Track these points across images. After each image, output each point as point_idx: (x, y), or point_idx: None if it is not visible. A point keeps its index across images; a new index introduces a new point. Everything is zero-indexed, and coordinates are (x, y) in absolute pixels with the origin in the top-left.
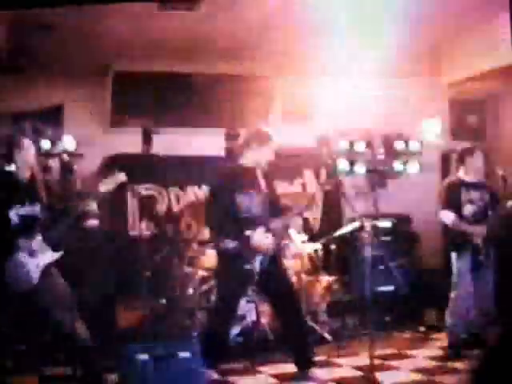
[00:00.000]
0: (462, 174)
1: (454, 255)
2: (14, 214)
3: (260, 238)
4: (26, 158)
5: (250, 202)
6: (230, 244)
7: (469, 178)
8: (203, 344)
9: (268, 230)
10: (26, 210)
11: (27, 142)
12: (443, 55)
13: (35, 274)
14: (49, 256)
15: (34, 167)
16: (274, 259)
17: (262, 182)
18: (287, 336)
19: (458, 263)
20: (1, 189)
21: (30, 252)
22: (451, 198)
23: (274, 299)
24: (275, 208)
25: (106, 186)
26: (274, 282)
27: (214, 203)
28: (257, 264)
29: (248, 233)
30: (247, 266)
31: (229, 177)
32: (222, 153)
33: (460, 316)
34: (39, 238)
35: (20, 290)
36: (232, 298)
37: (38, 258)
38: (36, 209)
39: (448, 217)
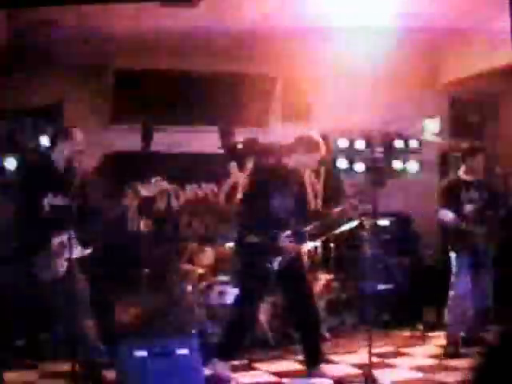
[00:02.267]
0: (461, 173)
1: (452, 254)
2: (46, 203)
3: (285, 240)
4: (67, 149)
5: (282, 204)
6: (254, 239)
7: (469, 178)
8: (224, 337)
9: (294, 233)
10: (58, 200)
11: (75, 133)
12: (443, 54)
13: (62, 268)
14: (78, 251)
15: (73, 159)
16: (295, 261)
17: (297, 187)
18: (302, 333)
19: (456, 262)
20: (37, 176)
21: (61, 244)
22: (451, 197)
23: (290, 299)
24: (303, 212)
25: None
26: (292, 283)
27: (249, 198)
28: (275, 264)
29: (275, 233)
30: (267, 265)
31: (268, 175)
32: (221, 151)
33: (459, 315)
34: (72, 232)
35: (45, 280)
36: (254, 291)
37: (67, 252)
38: (69, 201)
39: (447, 216)
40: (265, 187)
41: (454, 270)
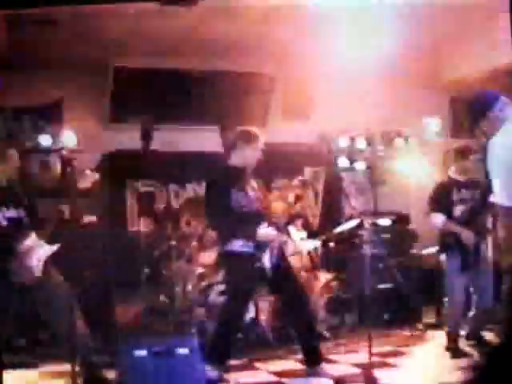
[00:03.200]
0: (452, 172)
1: (443, 256)
2: (1, 217)
3: (267, 231)
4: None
5: (247, 199)
6: (238, 243)
7: (460, 177)
8: (211, 343)
9: (271, 224)
10: (11, 213)
11: (10, 155)
12: (444, 53)
13: (37, 268)
14: (47, 249)
15: (13, 173)
16: (280, 255)
17: (253, 182)
18: (297, 332)
19: (448, 264)
20: None
21: (28, 249)
22: (441, 199)
23: (282, 295)
24: (266, 210)
25: (83, 184)
26: (282, 278)
27: (213, 204)
28: (266, 261)
29: (253, 229)
30: (257, 265)
31: (220, 177)
32: (221, 150)
33: (458, 315)
34: (33, 235)
35: (22, 284)
36: (244, 298)
37: (37, 253)
38: (20, 211)
39: (437, 219)
40: (221, 190)
41: (447, 271)
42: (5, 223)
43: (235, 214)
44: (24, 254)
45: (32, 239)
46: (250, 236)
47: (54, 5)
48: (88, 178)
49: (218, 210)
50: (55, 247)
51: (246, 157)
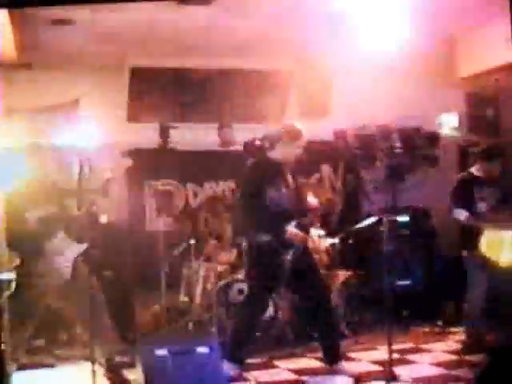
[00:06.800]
0: (474, 170)
1: (464, 253)
2: (31, 217)
3: (294, 231)
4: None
5: (279, 196)
6: (264, 237)
7: (481, 174)
8: (231, 338)
9: (299, 224)
10: (41, 211)
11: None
12: (459, 49)
13: (66, 269)
14: (75, 249)
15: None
16: (304, 253)
17: (290, 178)
18: (317, 330)
19: (468, 261)
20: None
21: (57, 249)
22: (463, 195)
23: (304, 293)
24: (302, 206)
25: (112, 173)
26: (304, 276)
27: (245, 196)
28: (289, 258)
29: (282, 226)
30: (279, 261)
31: (257, 170)
32: (240, 147)
33: (477, 312)
34: (61, 235)
35: (52, 286)
36: (264, 292)
37: (65, 254)
38: (52, 209)
39: (461, 215)
40: (259, 183)
41: (467, 269)
42: (35, 222)
43: (267, 209)
44: (52, 255)
45: (60, 238)
46: (279, 233)
47: (64, 4)
48: (121, 165)
49: (249, 204)
50: (83, 246)
51: (287, 153)
